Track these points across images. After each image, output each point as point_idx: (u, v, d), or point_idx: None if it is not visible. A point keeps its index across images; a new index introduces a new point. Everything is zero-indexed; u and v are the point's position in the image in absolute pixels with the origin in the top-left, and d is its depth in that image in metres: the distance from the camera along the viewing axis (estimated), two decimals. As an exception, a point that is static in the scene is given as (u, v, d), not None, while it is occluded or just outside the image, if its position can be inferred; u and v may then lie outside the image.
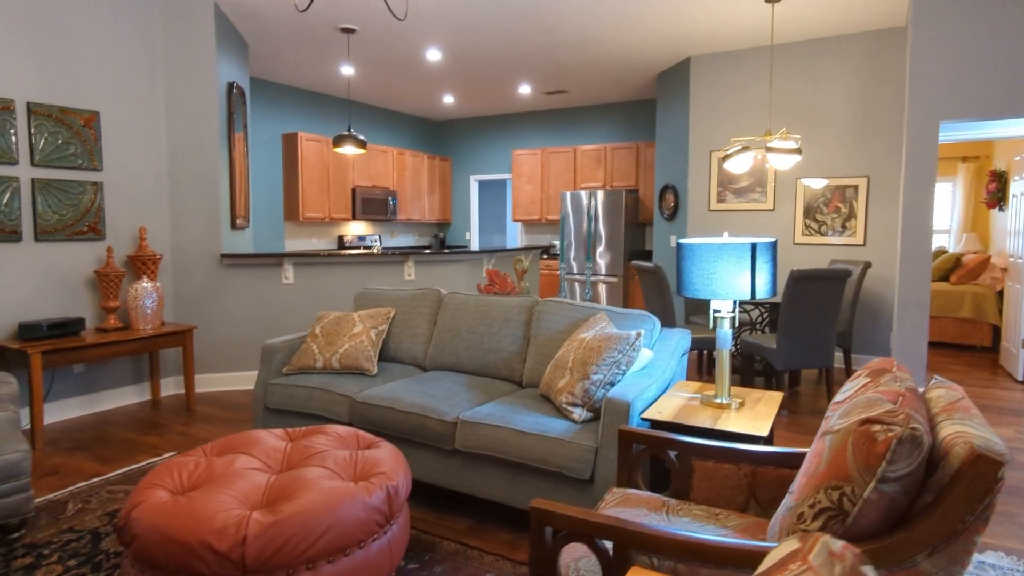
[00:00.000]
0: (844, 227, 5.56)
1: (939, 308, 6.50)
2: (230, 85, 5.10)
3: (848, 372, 5.08)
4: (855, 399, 1.38)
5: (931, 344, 6.59)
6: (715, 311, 2.36)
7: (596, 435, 2.36)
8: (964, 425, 1.23)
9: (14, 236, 3.93)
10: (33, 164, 4.00)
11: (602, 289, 7.87)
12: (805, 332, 4.15)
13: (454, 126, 10.06)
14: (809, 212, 5.71)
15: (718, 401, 2.37)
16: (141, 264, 4.41)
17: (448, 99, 8.38)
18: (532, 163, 8.82)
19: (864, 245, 5.49)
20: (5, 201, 3.87)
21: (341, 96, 8.18)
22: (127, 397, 4.59)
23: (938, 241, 8.74)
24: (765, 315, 4.98)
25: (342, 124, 8.35)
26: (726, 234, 2.40)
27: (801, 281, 4.03)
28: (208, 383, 4.93)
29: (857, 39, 5.40)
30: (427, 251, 5.22)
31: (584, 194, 7.93)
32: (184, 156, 4.78)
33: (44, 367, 4.00)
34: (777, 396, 2.52)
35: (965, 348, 6.55)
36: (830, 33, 5.43)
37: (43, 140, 4.03)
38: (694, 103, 6.14)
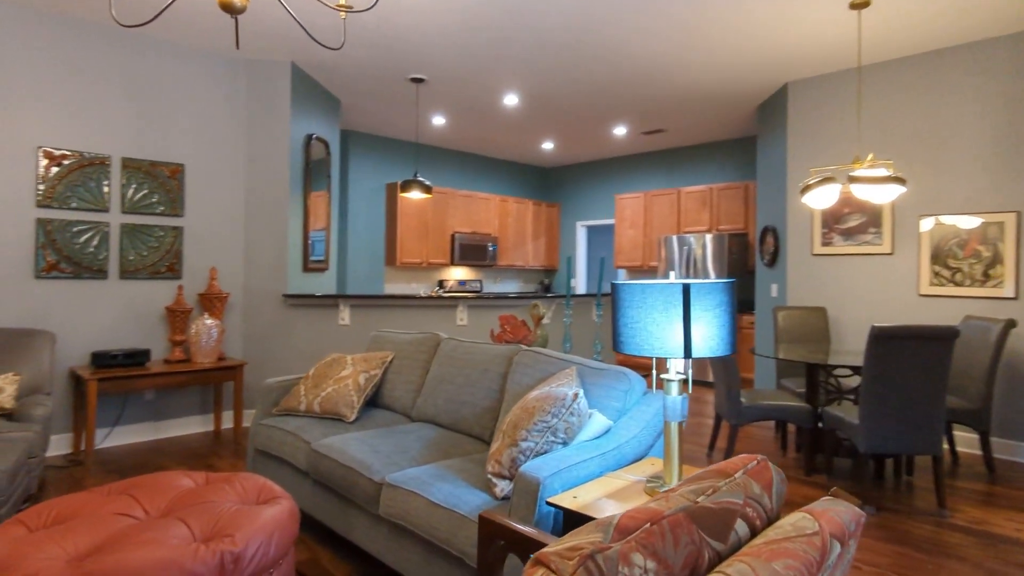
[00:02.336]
0: (986, 275, 4.43)
1: None
2: (308, 138, 5.45)
3: (987, 462, 3.94)
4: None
5: None
6: (665, 372, 1.87)
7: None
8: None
9: (101, 274, 4.44)
10: (123, 211, 4.52)
11: (702, 343, 7.08)
12: (896, 406, 3.27)
13: (561, 172, 9.95)
14: (939, 257, 4.65)
15: (664, 491, 1.85)
16: (209, 302, 4.76)
17: (547, 145, 8.30)
18: (635, 207, 8.36)
19: (1016, 298, 4.31)
20: (96, 243, 4.41)
21: (439, 146, 8.47)
22: (193, 426, 4.91)
23: None
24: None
25: (442, 172, 8.61)
26: (672, 275, 1.92)
27: (885, 340, 3.21)
28: (268, 418, 5.13)
29: (996, 44, 4.39)
30: (478, 296, 5.05)
31: (677, 239, 7.30)
32: (257, 203, 5.15)
33: (111, 393, 4.41)
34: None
35: None
36: (954, 41, 4.48)
37: (131, 190, 4.56)
38: (792, 133, 5.39)
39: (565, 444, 2.12)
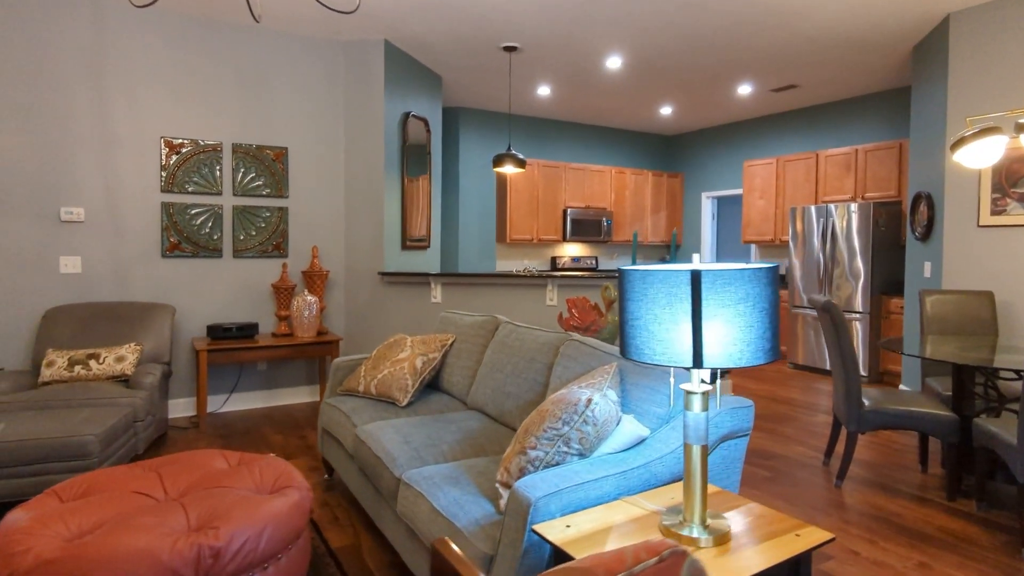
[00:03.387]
0: None
1: None
2: (404, 116, 5.46)
3: None
4: None
5: None
6: (684, 384, 1.52)
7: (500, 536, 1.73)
8: None
9: (216, 253, 4.80)
10: (234, 194, 4.84)
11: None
12: (1070, 425, 2.52)
13: (684, 140, 9.19)
14: None
15: (685, 533, 1.51)
16: (311, 279, 4.98)
17: (665, 110, 7.67)
18: (766, 174, 7.48)
19: None
20: (211, 225, 4.76)
21: (548, 118, 8.15)
22: (300, 396, 5.21)
23: None
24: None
25: (553, 145, 8.31)
26: (696, 257, 1.51)
27: (1057, 340, 2.46)
28: (368, 392, 5.31)
29: None
30: (571, 274, 4.76)
31: (816, 210, 6.39)
32: (355, 183, 5.26)
33: (222, 363, 4.79)
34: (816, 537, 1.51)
35: None
36: None
37: (240, 174, 4.85)
38: (954, 76, 4.39)
39: (582, 456, 1.84)
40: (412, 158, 5.67)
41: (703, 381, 1.50)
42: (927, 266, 4.81)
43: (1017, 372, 2.88)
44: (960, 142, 3.17)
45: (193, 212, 4.70)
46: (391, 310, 5.21)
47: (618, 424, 1.90)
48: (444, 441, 2.48)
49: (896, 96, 6.49)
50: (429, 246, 6.03)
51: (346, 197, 5.31)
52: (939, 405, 3.26)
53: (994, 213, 4.25)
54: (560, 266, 8.35)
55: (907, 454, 3.88)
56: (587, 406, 1.79)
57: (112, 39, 4.38)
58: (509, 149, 5.27)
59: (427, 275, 5.02)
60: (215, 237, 4.79)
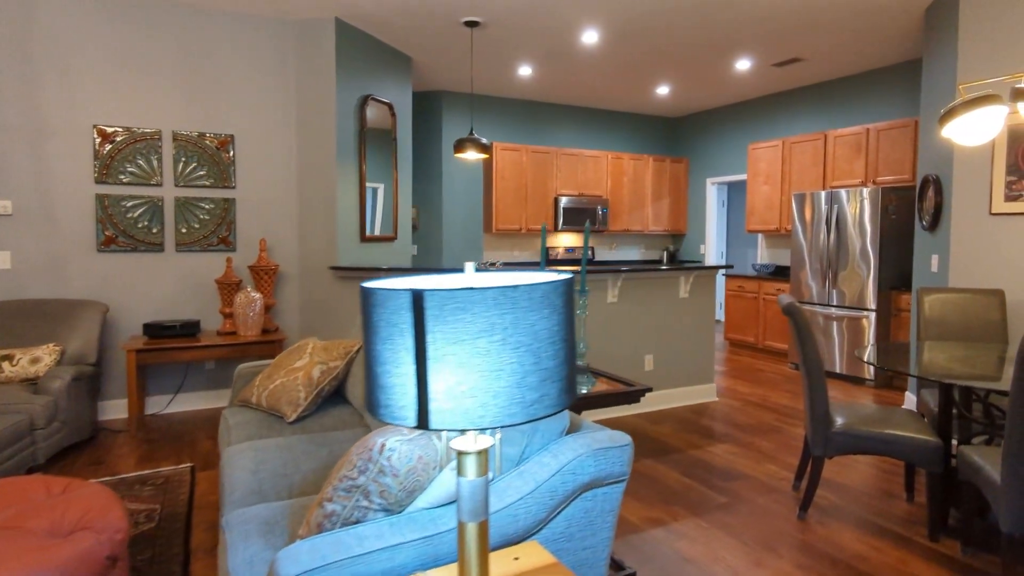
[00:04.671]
0: None
1: None
2: (363, 100, 5.11)
3: None
4: None
5: None
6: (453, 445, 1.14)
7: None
8: None
9: (157, 247, 4.55)
10: (175, 185, 4.57)
11: (836, 328, 5.63)
12: (1065, 464, 2.03)
13: (688, 122, 8.62)
14: None
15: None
16: (259, 274, 4.70)
17: (662, 90, 7.13)
18: (771, 158, 6.90)
19: None
20: (149, 217, 4.51)
21: (539, 100, 7.68)
22: (251, 397, 4.96)
23: None
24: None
25: (544, 130, 7.85)
26: (470, 267, 1.11)
27: (1048, 359, 1.97)
28: (323, 393, 5.02)
29: None
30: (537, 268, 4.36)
31: (826, 195, 5.81)
32: (308, 172, 4.95)
33: (165, 363, 4.55)
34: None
35: None
36: None
37: (182, 163, 4.58)
38: (964, 41, 3.80)
39: (389, 512, 1.46)
40: (374, 144, 5.32)
41: (474, 440, 1.11)
42: (934, 259, 4.25)
43: (1002, 393, 2.38)
44: (950, 114, 2.65)
45: (130, 204, 4.45)
46: (346, 307, 4.90)
47: (443, 470, 1.52)
48: (299, 471, 2.13)
49: (910, 69, 5.84)
50: (396, 238, 5.69)
51: (299, 187, 5.00)
52: (923, 427, 2.77)
53: (1008, 199, 3.67)
54: (552, 257, 7.93)
55: (894, 478, 3.38)
56: (380, 452, 1.41)
57: (41, 19, 4.14)
58: (471, 133, 4.87)
59: (379, 269, 4.69)
60: (155, 230, 4.54)
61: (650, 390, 2.34)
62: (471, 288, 0.93)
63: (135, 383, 4.13)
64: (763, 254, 7.52)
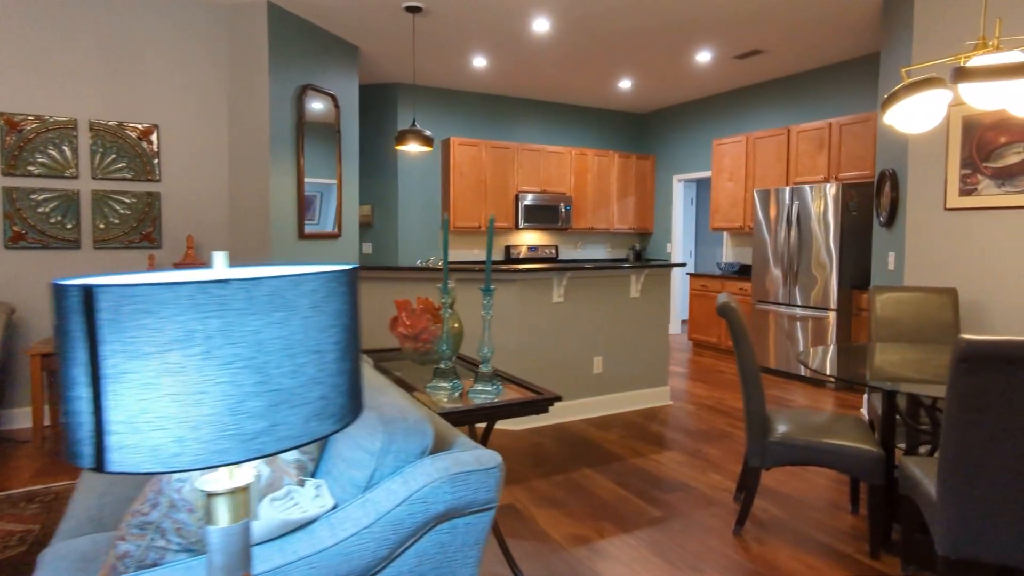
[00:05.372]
0: None
1: None
2: (301, 89, 4.84)
3: None
4: None
5: None
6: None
7: None
8: None
9: (72, 244, 4.26)
10: (93, 178, 4.28)
11: (800, 329, 5.46)
12: (1009, 485, 1.83)
13: (655, 118, 8.45)
14: None
15: None
16: (185, 274, 4.41)
17: (624, 84, 6.94)
18: (735, 154, 6.73)
19: None
20: (62, 212, 4.22)
21: (499, 94, 7.45)
22: (180, 403, 4.67)
23: None
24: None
25: (507, 126, 7.62)
26: (219, 256, 0.89)
27: (988, 366, 1.77)
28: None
29: None
30: (475, 267, 4.12)
31: (791, 192, 5.64)
32: (240, 166, 4.67)
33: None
34: None
35: None
36: None
37: (100, 154, 4.29)
38: (919, 31, 3.63)
39: (192, 552, 1.22)
40: (315, 137, 5.06)
41: (229, 478, 0.87)
42: (891, 257, 4.08)
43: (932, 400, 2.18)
44: (892, 99, 2.46)
45: (41, 198, 4.15)
46: (280, 308, 4.62)
47: (261, 502, 1.28)
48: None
49: (870, 63, 5.69)
50: (340, 235, 5.43)
51: (231, 181, 4.72)
52: (867, 436, 2.58)
53: (963, 193, 3.50)
54: (515, 256, 7.70)
55: (843, 488, 3.19)
56: (169, 483, 1.17)
57: (-66, -1, 3.83)
58: (413, 124, 4.63)
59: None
60: (69, 226, 4.24)
61: (559, 399, 2.12)
62: (157, 284, 0.69)
63: (40, 390, 3.83)
64: (728, 253, 7.35)
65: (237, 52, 4.61)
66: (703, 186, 8.73)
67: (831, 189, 5.20)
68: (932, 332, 3.29)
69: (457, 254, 7.42)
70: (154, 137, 4.43)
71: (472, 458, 1.44)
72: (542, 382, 4.19)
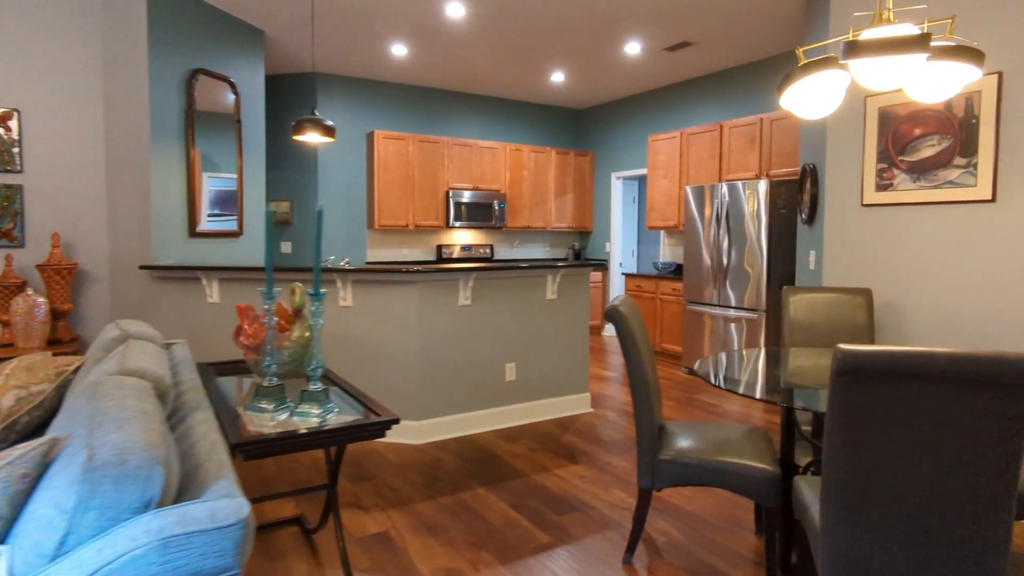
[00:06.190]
0: None
1: None
2: (190, 74, 4.43)
3: None
4: None
5: None
6: None
7: None
8: None
9: (-85, 243, 3.77)
10: (-60, 167, 3.80)
11: (734, 331, 5.29)
12: (897, 507, 1.60)
13: (593, 114, 8.23)
14: (1078, 205, 2.64)
15: None
16: (51, 274, 3.95)
17: (557, 77, 6.69)
18: (670, 150, 6.54)
19: None
20: (-96, 206, 3.72)
21: (429, 86, 7.11)
22: (50, 419, 4.20)
23: None
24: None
25: (439, 120, 7.29)
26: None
27: (866, 378, 1.53)
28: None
29: None
30: (370, 268, 3.78)
31: (727, 187, 5.46)
32: (119, 156, 4.23)
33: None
34: None
35: None
36: None
37: (-54, 142, 3.81)
38: (836, 9, 3.45)
39: None
40: (210, 126, 4.64)
41: None
42: (811, 256, 3.90)
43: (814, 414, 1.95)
44: (785, 82, 2.23)
45: None
46: (166, 312, 4.20)
47: None
48: None
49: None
50: (242, 233, 5.02)
51: (108, 173, 4.27)
52: (766, 454, 2.34)
53: (879, 189, 3.33)
54: (447, 256, 7.38)
55: (748, 506, 2.97)
56: None
57: None
58: (313, 112, 4.26)
59: (197, 268, 4.02)
60: (-90, 222, 3.75)
61: (396, 421, 1.81)
62: None
63: None
64: (666, 252, 7.17)
65: (112, 29, 4.17)
66: (644, 184, 8.55)
67: (762, 186, 5.03)
68: (845, 335, 3.10)
69: (382, 254, 7.06)
70: (13, 123, 3.97)
71: (207, 513, 1.11)
72: (447, 392, 3.88)
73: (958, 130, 3.01)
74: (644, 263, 8.28)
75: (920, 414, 1.54)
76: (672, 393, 5.03)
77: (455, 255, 7.43)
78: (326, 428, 1.71)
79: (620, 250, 8.01)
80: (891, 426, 1.56)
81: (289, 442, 1.63)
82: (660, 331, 6.31)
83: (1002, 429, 1.51)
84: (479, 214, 7.26)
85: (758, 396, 2.11)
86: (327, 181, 6.67)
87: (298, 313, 2.32)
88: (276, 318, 2.07)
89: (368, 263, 6.93)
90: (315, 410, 1.82)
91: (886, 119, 3.28)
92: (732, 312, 5.31)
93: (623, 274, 6.89)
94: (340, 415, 1.88)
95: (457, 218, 7.10)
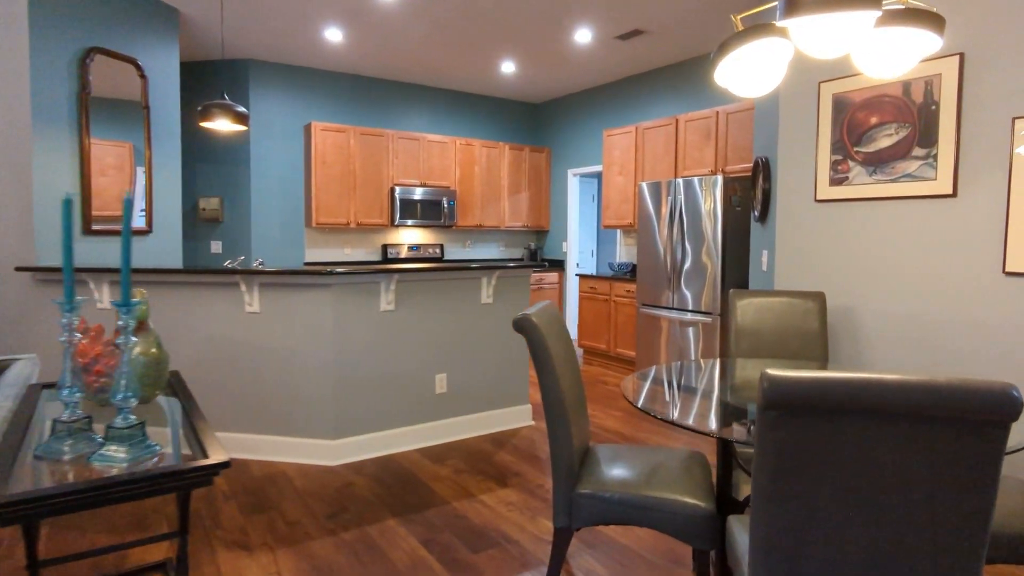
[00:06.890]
0: None
1: None
2: (85, 53, 3.96)
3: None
4: None
5: None
6: None
7: None
8: None
9: None
10: None
11: (691, 335, 5.00)
12: (844, 549, 1.27)
13: (549, 109, 7.91)
14: (1046, 200, 2.38)
15: None
16: (-88, 278, 3.46)
17: (507, 67, 6.34)
18: (625, 145, 6.24)
19: None
20: None
21: (375, 76, 6.70)
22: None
23: None
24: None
25: (386, 112, 6.88)
26: None
27: (799, 412, 1.20)
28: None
29: None
30: (281, 271, 3.37)
31: (683, 184, 5.16)
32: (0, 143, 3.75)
33: None
34: None
35: None
36: None
37: None
38: (789, -6, 3.16)
39: None
40: (114, 114, 4.18)
41: None
42: (764, 256, 3.61)
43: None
44: (720, 51, 1.91)
45: None
46: (48, 318, 3.73)
47: None
48: None
49: (763, 47, 5.30)
50: (152, 231, 4.56)
51: (-14, 162, 3.79)
52: (701, 488, 2.01)
53: (834, 183, 3.05)
54: (393, 256, 6.97)
55: (670, 555, 2.64)
56: None
57: None
58: (223, 96, 3.83)
59: (82, 271, 3.56)
60: None
61: (227, 466, 1.43)
62: None
63: None
64: (622, 252, 6.88)
65: (-9, 1, 3.69)
66: (591, 182, 8.26)
67: (719, 182, 4.75)
68: (796, 344, 2.81)
69: (323, 254, 6.62)
70: None
71: None
72: (366, 407, 3.50)
73: (916, 118, 2.74)
74: (603, 264, 7.99)
75: (867, 456, 1.21)
76: (622, 403, 4.72)
77: (402, 255, 7.03)
78: (118, 480, 1.32)
79: (577, 250, 7.70)
80: (831, 472, 1.24)
81: (56, 501, 1.23)
82: (614, 335, 6.01)
83: (968, 475, 1.19)
84: (427, 212, 6.87)
85: (691, 423, 1.78)
86: (261, 176, 6.21)
87: (142, 326, 1.92)
88: (78, 335, 1.66)
89: (306, 264, 6.50)
90: (120, 452, 1.43)
91: (841, 106, 3.01)
92: (688, 316, 5.02)
93: (577, 275, 6.57)
94: (161, 454, 1.49)
95: (404, 216, 6.71)
